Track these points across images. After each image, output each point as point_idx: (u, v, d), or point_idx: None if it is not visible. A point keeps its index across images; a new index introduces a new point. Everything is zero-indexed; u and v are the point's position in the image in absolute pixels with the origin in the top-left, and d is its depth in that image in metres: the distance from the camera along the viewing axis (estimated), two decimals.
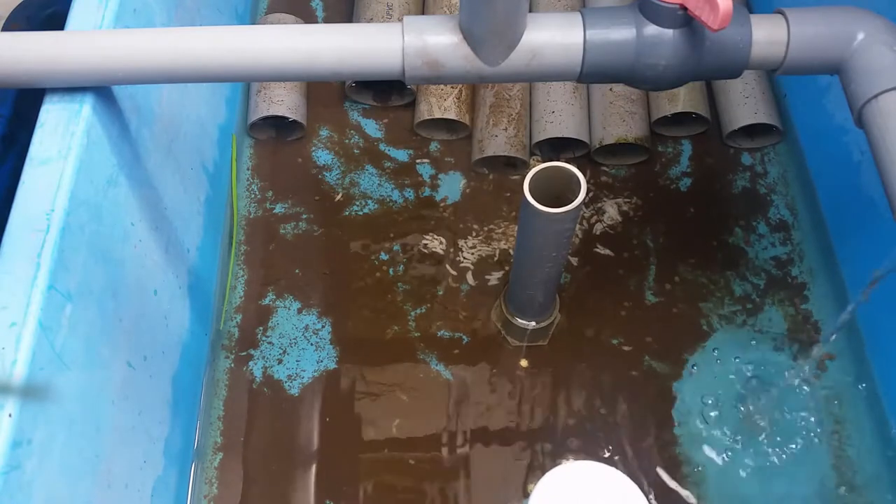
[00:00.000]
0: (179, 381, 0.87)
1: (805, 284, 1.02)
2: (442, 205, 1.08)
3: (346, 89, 1.16)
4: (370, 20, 1.14)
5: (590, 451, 0.91)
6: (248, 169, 1.11)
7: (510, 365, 0.96)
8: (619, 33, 0.68)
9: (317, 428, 0.93)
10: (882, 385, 0.92)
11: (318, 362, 0.97)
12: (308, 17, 1.24)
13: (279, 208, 1.08)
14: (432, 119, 1.10)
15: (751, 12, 0.70)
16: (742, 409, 0.93)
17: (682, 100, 1.09)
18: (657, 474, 0.90)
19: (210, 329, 0.97)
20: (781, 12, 0.70)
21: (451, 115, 1.09)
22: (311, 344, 0.98)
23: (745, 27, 0.68)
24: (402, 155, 1.12)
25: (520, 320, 0.96)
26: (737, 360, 0.96)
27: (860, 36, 0.68)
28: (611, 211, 1.07)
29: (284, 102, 1.09)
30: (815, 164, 1.07)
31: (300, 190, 1.09)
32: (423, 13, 1.19)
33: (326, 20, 1.26)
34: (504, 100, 1.10)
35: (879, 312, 0.91)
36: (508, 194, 1.09)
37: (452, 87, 1.11)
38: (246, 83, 1.15)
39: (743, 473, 0.89)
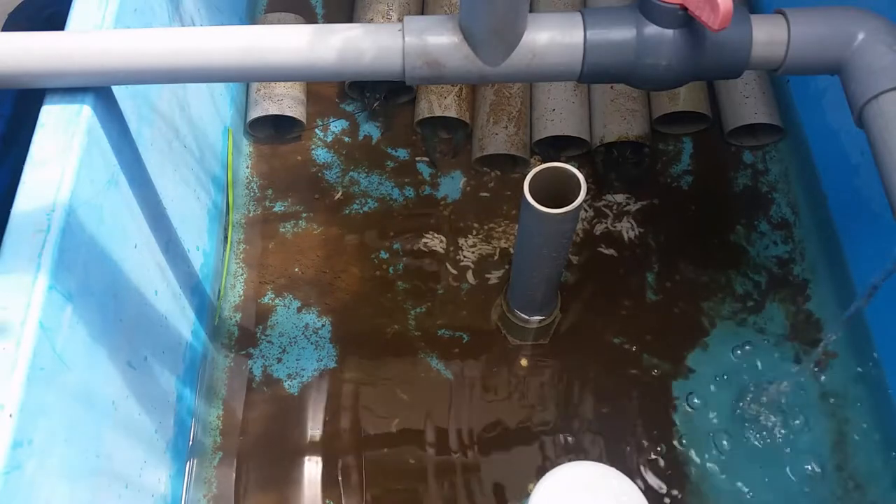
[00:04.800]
0: (179, 381, 0.88)
1: (806, 283, 1.02)
2: (442, 203, 1.08)
3: (345, 87, 1.16)
4: (370, 20, 1.14)
5: (590, 451, 0.91)
6: (247, 167, 1.11)
7: (510, 364, 0.96)
8: (620, 33, 0.67)
9: (316, 427, 0.93)
10: (892, 383, 0.91)
11: (317, 361, 0.97)
12: (308, 16, 1.24)
13: (278, 207, 1.08)
14: (432, 117, 1.10)
15: (753, 12, 0.70)
16: (743, 407, 0.93)
17: (683, 98, 1.09)
18: (658, 474, 0.90)
19: (209, 328, 0.97)
20: (781, 12, 0.70)
21: (452, 113, 1.09)
22: (311, 343, 0.98)
23: (745, 27, 0.68)
24: (402, 153, 1.12)
25: (520, 319, 0.96)
26: (738, 359, 0.96)
27: (860, 36, 0.68)
28: (612, 210, 1.07)
29: (284, 101, 1.09)
30: (821, 159, 1.06)
31: (300, 188, 1.09)
32: (422, 13, 1.19)
33: (326, 18, 1.25)
34: (504, 98, 1.10)
35: (888, 309, 0.91)
36: (508, 193, 1.09)
37: (453, 86, 1.10)
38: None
39: (744, 472, 0.89)
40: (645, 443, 0.91)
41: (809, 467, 0.90)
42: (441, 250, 1.04)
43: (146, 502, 0.78)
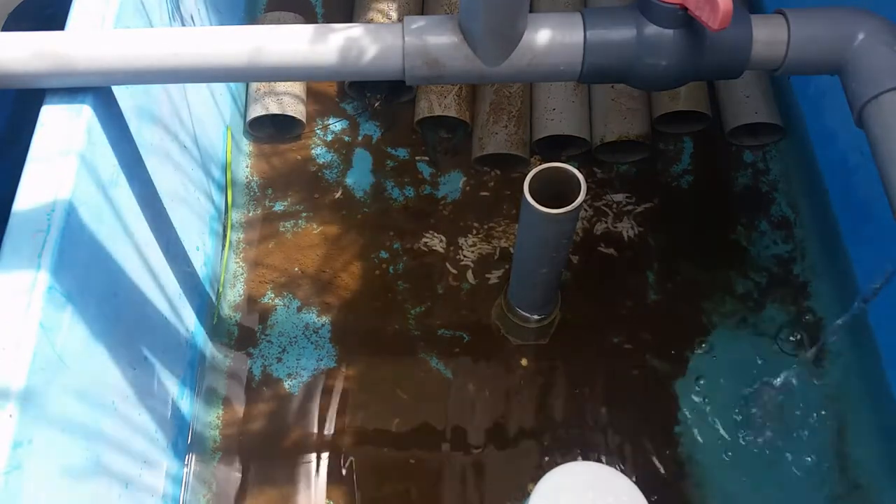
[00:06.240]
0: (179, 381, 0.88)
1: (807, 282, 1.02)
2: (442, 203, 1.08)
3: (345, 87, 1.16)
4: (370, 20, 1.14)
5: (590, 451, 0.91)
6: (247, 167, 1.11)
7: (510, 363, 0.96)
8: (620, 33, 0.67)
9: (316, 427, 0.93)
10: (892, 382, 0.91)
11: (317, 361, 0.97)
12: (308, 16, 1.24)
13: (278, 206, 1.08)
14: (432, 116, 1.09)
15: (753, 12, 0.70)
16: (743, 407, 0.93)
17: (684, 97, 1.09)
18: (657, 474, 0.90)
19: (209, 328, 0.97)
20: (781, 12, 0.70)
21: (452, 113, 1.09)
22: (311, 342, 0.98)
23: (745, 27, 0.68)
24: (402, 153, 1.12)
25: (520, 319, 0.96)
26: (738, 359, 0.96)
27: (860, 36, 0.68)
28: (612, 209, 1.07)
29: (284, 100, 1.09)
30: (822, 158, 1.06)
31: (299, 188, 1.09)
32: (422, 13, 1.19)
33: (326, 18, 1.25)
34: (505, 97, 1.09)
35: (890, 308, 0.91)
36: (508, 192, 1.09)
37: (453, 85, 1.10)
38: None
39: (744, 472, 0.89)
40: (645, 442, 0.91)
41: (810, 466, 0.90)
42: (441, 250, 1.04)
43: (146, 502, 0.78)
